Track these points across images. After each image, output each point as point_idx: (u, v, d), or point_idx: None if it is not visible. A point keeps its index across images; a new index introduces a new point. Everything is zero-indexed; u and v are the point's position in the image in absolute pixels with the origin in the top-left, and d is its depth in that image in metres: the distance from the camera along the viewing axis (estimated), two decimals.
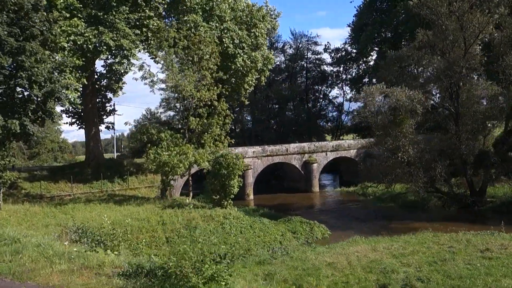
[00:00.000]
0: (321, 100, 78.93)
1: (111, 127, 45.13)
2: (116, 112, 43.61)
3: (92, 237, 18.33)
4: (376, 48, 65.64)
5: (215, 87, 31.83)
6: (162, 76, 32.60)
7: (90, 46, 32.08)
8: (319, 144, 51.14)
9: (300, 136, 71.57)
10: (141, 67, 31.17)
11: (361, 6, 68.45)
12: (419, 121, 29.75)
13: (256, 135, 64.45)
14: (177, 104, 32.02)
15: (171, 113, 76.60)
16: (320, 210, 39.68)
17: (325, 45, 76.38)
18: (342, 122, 76.72)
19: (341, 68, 76.45)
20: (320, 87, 78.17)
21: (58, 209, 29.31)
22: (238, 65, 35.68)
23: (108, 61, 35.32)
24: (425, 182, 29.73)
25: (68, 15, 30.79)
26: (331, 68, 77.23)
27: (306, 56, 76.20)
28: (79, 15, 31.97)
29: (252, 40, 37.09)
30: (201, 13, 34.46)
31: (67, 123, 41.52)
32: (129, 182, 39.64)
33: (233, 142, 32.68)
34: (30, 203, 31.45)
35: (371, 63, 71.78)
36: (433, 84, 33.30)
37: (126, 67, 33.99)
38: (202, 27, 33.17)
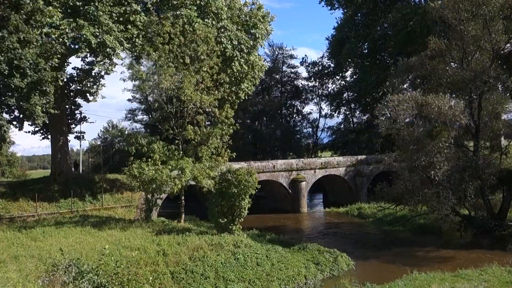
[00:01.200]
0: (294, 116, 75.94)
1: (81, 137, 39.55)
2: (87, 120, 38.03)
3: (94, 280, 13.59)
4: (359, 61, 63.27)
5: (216, 91, 27.53)
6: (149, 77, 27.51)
7: (66, 41, 27.04)
8: (308, 161, 47.55)
9: (276, 152, 68.00)
10: (130, 66, 26.32)
11: (341, 19, 66.30)
12: (456, 135, 26.56)
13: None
14: (171, 110, 27.21)
15: (137, 125, 71.62)
16: (318, 233, 35.77)
17: (303, 58, 73.66)
18: (318, 139, 73.81)
19: (317, 83, 73.81)
20: (294, 102, 75.18)
21: (25, 234, 23.98)
22: (235, 70, 31.50)
23: (86, 60, 30.24)
24: (453, 204, 26.50)
25: (41, 2, 25.67)
26: (307, 83, 74.45)
27: (281, 70, 73.10)
28: (55, 3, 26.89)
29: (252, 42, 33.11)
30: (195, 9, 30.17)
31: (29, 131, 35.64)
32: (103, 200, 34.22)
33: (234, 156, 28.30)
34: None
35: (350, 78, 69.64)
36: (450, 95, 30.38)
37: (108, 68, 29.07)
38: (197, 23, 28.84)
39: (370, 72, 60.58)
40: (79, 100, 37.83)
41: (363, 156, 51.07)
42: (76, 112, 36.84)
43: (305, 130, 74.05)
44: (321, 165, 48.06)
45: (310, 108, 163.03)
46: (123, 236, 23.40)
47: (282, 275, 20.96)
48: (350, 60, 62.55)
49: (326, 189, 56.38)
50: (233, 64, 31.43)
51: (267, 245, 23.99)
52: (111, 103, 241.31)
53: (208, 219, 28.52)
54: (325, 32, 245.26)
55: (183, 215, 28.72)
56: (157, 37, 26.84)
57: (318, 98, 73.77)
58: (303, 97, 75.05)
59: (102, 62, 28.28)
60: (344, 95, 70.24)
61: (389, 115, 28.41)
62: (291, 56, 72.41)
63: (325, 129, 72.61)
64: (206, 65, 26.79)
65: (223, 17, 31.49)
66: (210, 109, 26.94)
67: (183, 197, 28.77)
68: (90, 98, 33.32)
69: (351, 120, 70.67)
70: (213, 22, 30.78)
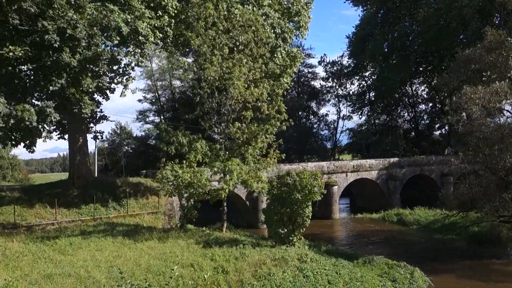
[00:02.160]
0: (311, 117, 72.80)
1: (100, 137, 36.23)
2: (108, 119, 34.75)
3: None
4: (382, 59, 60.22)
5: (266, 83, 24.35)
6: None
7: (94, 28, 23.75)
8: (339, 164, 44.43)
9: (291, 155, 64.76)
10: (170, 54, 23.08)
11: (364, 16, 63.37)
12: None
13: None
14: (213, 104, 23.96)
15: (149, 126, 68.25)
16: (361, 242, 32.56)
17: (321, 57, 70.65)
18: (336, 141, 70.66)
19: (335, 83, 70.75)
20: (311, 103, 72.08)
21: (49, 246, 20.75)
22: (278, 62, 28.26)
23: (114, 50, 26.96)
24: None
25: None
26: (325, 83, 71.34)
27: (299, 69, 69.97)
28: None
29: (296, 31, 29.95)
30: None
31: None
32: (128, 207, 30.90)
33: (283, 157, 25.08)
34: (1, 235, 22.50)
35: (372, 77, 66.70)
36: None
37: (139, 59, 25.83)
38: (237, 10, 25.66)
39: (395, 70, 57.67)
40: (98, 97, 34.52)
41: (396, 159, 48.06)
42: (97, 109, 33.54)
43: (322, 132, 70.83)
44: (353, 168, 44.93)
45: (327, 110, 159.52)
46: (167, 249, 20.17)
47: None
48: (374, 58, 59.49)
49: (353, 194, 53.26)
50: (275, 55, 28.19)
51: (331, 259, 20.78)
52: (109, 106, 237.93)
53: (242, 226, 25.43)
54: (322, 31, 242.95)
55: (225, 223, 25.46)
56: (197, 21, 23.62)
57: (336, 99, 70.61)
58: (320, 97, 71.98)
59: (133, 52, 24.99)
60: (366, 95, 67.21)
61: (462, 112, 25.26)
62: (309, 55, 69.33)
63: (344, 131, 69.45)
64: (256, 54, 23.60)
65: (264, 3, 28.32)
66: (258, 104, 23.67)
67: (225, 203, 25.46)
68: (99, 97, 29.98)
69: (373, 121, 67.57)
70: (254, 8, 27.59)
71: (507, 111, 22.66)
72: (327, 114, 72.62)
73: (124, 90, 27.14)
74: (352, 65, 67.58)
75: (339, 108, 71.15)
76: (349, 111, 71.17)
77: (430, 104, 74.91)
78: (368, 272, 20.44)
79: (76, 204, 29.86)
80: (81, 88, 15.92)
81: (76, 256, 19.06)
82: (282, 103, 24.13)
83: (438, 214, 35.60)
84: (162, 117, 67.78)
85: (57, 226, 27.10)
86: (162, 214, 32.12)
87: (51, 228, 26.46)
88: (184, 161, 26.67)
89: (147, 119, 68.57)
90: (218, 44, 23.06)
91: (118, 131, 73.80)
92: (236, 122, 23.62)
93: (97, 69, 16.25)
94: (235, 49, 23.61)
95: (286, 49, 29.68)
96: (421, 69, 63.15)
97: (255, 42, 24.07)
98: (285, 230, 20.27)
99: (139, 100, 70.94)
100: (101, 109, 35.82)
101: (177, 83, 64.99)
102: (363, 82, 69.04)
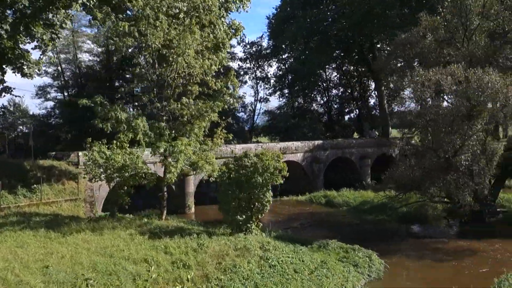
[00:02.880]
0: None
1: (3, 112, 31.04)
2: (11, 91, 29.74)
3: None
4: (303, 42, 60.09)
5: (214, 56, 22.00)
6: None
7: None
8: (267, 146, 43.17)
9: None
10: (106, 16, 19.68)
11: None
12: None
13: None
14: (154, 77, 21.13)
15: (51, 103, 61.66)
16: (298, 225, 31.72)
17: (240, 37, 68.73)
18: (254, 123, 69.77)
19: (253, 65, 69.59)
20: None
21: None
22: (219, 34, 25.80)
23: None
24: (473, 193, 23.99)
25: None
26: (242, 64, 69.85)
27: None
28: None
29: (238, 2, 27.62)
30: None
31: None
32: (42, 193, 26.84)
33: (231, 137, 23.06)
34: None
35: (293, 59, 66.52)
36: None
37: (63, 20, 21.85)
38: None
39: (315, 54, 57.86)
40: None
41: (320, 141, 48.22)
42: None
43: (239, 114, 69.44)
44: (280, 150, 43.96)
45: (243, 92, 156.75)
46: (107, 242, 17.34)
47: (330, 284, 16.58)
48: (296, 40, 59.09)
49: None
50: (217, 26, 25.69)
51: (289, 245, 19.35)
52: None
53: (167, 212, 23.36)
54: None
55: (165, 211, 22.89)
56: None
57: (255, 81, 69.50)
58: (238, 79, 70.25)
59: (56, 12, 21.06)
60: (285, 78, 66.99)
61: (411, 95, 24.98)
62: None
63: (263, 113, 68.81)
64: (204, 21, 21.10)
65: None
66: (206, 78, 21.30)
67: (165, 188, 22.87)
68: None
69: (292, 104, 67.62)
70: None
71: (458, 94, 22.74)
72: (243, 96, 71.29)
73: (41, 56, 22.92)
74: (272, 47, 66.76)
75: (257, 90, 70.16)
76: (266, 94, 70.57)
77: (341, 89, 77.08)
78: (327, 257, 19.41)
79: None
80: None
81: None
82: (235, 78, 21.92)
83: (371, 196, 35.97)
84: (66, 94, 61.75)
85: None
86: (82, 201, 28.45)
87: None
88: (115, 141, 23.58)
89: (48, 96, 61.97)
90: (164, 6, 20.15)
91: (12, 108, 65.88)
92: (184, 98, 21.06)
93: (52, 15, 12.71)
94: (181, 14, 20.88)
95: (228, 20, 27.39)
96: (336, 54, 64.11)
97: (202, 8, 21.54)
98: (243, 216, 18.39)
99: (39, 74, 63.65)
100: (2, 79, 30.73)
101: (83, 56, 59.63)
102: (282, 65, 68.63)
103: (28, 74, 18.21)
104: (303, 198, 42.32)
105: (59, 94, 62.58)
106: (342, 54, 66.42)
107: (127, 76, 64.39)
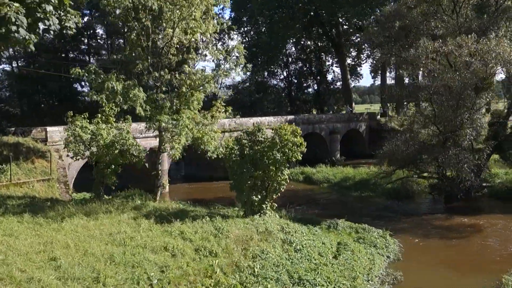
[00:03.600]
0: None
1: None
2: None
3: None
4: (269, 15, 58.44)
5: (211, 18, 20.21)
6: None
7: None
8: (240, 121, 41.79)
9: None
10: None
11: None
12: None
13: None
14: (147, 43, 19.00)
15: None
16: (285, 203, 30.72)
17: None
18: (217, 98, 67.62)
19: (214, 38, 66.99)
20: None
21: None
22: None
23: None
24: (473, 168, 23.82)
25: None
26: (201, 37, 66.99)
27: None
28: None
29: None
30: None
31: None
32: (10, 173, 24.11)
33: (230, 110, 21.43)
34: None
35: (256, 33, 64.81)
36: None
37: None
38: None
39: (280, 28, 56.52)
40: None
41: (292, 116, 47.37)
42: None
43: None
44: (253, 126, 42.60)
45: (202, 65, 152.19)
46: (112, 228, 15.45)
47: (359, 267, 15.67)
48: (261, 13, 57.32)
49: None
50: None
51: (302, 227, 18.23)
52: None
53: None
54: None
55: (159, 191, 21.05)
56: None
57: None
58: (199, 52, 67.59)
59: None
60: (248, 51, 65.08)
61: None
62: None
63: (225, 87, 66.84)
64: None
65: None
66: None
67: (159, 166, 20.99)
68: None
69: (255, 79, 66.06)
70: None
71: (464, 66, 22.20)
72: (204, 70, 68.85)
73: None
74: (233, 19, 64.52)
75: (219, 63, 67.77)
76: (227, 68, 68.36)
77: (300, 64, 76.48)
78: (343, 238, 18.52)
79: None
80: None
81: None
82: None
83: (351, 172, 35.59)
84: (14, 65, 56.92)
85: None
86: (55, 181, 25.92)
87: None
88: (99, 115, 21.36)
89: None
90: None
91: None
92: (185, 65, 19.10)
93: None
94: None
95: None
96: (298, 28, 63.02)
97: None
98: (259, 196, 16.97)
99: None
100: None
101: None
102: (244, 38, 66.71)
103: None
104: None
105: (7, 65, 57.63)
106: (305, 28, 65.43)
107: (83, 47, 60.36)
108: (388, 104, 63.11)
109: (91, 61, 60.19)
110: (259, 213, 17.16)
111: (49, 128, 29.37)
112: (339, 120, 53.05)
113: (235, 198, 18.20)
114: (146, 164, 31.13)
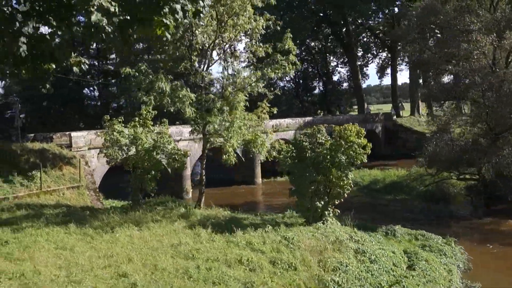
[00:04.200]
0: None
1: None
2: None
3: None
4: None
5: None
6: None
7: None
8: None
9: None
10: None
11: None
12: None
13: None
14: (194, 39, 17.90)
15: None
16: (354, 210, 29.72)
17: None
18: None
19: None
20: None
21: None
22: None
23: None
24: None
25: None
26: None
27: None
28: None
29: None
30: None
31: None
32: (41, 181, 22.92)
33: (275, 111, 20.33)
34: None
35: None
36: None
37: None
38: None
39: (291, 28, 55.54)
40: None
41: (310, 118, 46.53)
42: None
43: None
44: (272, 128, 41.60)
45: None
46: (173, 240, 14.30)
47: (440, 279, 14.59)
48: (273, 13, 56.17)
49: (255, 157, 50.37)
50: None
51: (365, 234, 17.15)
52: None
53: None
54: None
55: (203, 198, 19.92)
56: None
57: (223, 56, 66.05)
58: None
59: None
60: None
61: None
62: None
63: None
64: None
65: None
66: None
67: (204, 171, 19.88)
68: None
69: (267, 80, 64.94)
70: None
71: None
72: (210, 72, 67.80)
73: None
74: None
75: (227, 65, 66.74)
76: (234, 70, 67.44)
77: (305, 65, 75.62)
78: (406, 246, 17.43)
79: None
80: None
81: (35, 262, 12.19)
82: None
83: (379, 174, 34.61)
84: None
85: None
86: (85, 188, 24.76)
87: None
88: (137, 118, 20.27)
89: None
90: None
91: None
92: (235, 64, 18.07)
93: None
94: None
95: None
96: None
97: None
98: (322, 202, 15.88)
99: None
100: None
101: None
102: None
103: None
104: None
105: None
106: (313, 29, 64.66)
107: (91, 51, 59.07)
108: (400, 104, 62.32)
109: (99, 65, 59.06)
110: (322, 220, 16.05)
111: (73, 134, 28.22)
112: (353, 121, 52.03)
113: (295, 204, 17.05)
114: (169, 170, 30.16)
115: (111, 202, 26.80)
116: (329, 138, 16.58)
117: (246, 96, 18.92)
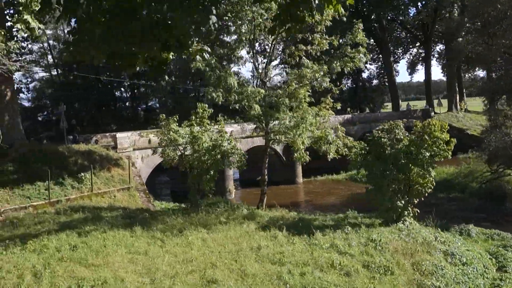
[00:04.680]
0: None
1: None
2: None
3: None
4: None
5: None
6: None
7: None
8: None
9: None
10: None
11: None
12: None
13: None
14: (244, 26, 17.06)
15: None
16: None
17: None
18: None
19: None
20: None
21: (42, 256, 12.47)
22: None
23: None
24: None
25: None
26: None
27: None
28: None
29: None
30: None
31: None
32: (91, 183, 22.41)
33: (338, 107, 19.35)
34: None
35: None
36: None
37: None
38: None
39: None
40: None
41: (349, 115, 45.29)
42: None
43: None
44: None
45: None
46: (252, 243, 13.49)
47: None
48: None
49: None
50: None
51: (449, 235, 16.08)
52: None
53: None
54: None
55: (265, 198, 19.11)
56: None
57: (251, 55, 65.28)
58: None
59: None
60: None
61: None
62: None
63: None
64: None
65: None
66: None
67: (266, 170, 19.06)
68: None
69: None
70: None
71: None
72: (239, 72, 66.96)
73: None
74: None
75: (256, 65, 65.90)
76: (263, 68, 66.56)
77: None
78: (486, 246, 16.34)
79: (17, 183, 20.56)
80: None
81: (112, 268, 11.53)
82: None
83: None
84: (55, 73, 55.46)
85: (3, 217, 18.06)
86: (134, 190, 24.21)
87: None
88: (193, 117, 19.56)
89: (35, 76, 55.42)
90: None
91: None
92: (304, 58, 17.16)
93: None
94: None
95: None
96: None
97: None
98: (403, 202, 14.90)
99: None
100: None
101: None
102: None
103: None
104: (340, 177, 39.20)
105: (47, 74, 56.33)
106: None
107: None
108: (438, 100, 60.66)
109: None
110: (402, 221, 15.06)
111: (118, 134, 27.79)
112: (392, 118, 50.61)
113: (376, 203, 16.02)
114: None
115: (159, 203, 26.25)
116: (407, 134, 15.59)
117: (308, 91, 18.03)
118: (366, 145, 16.03)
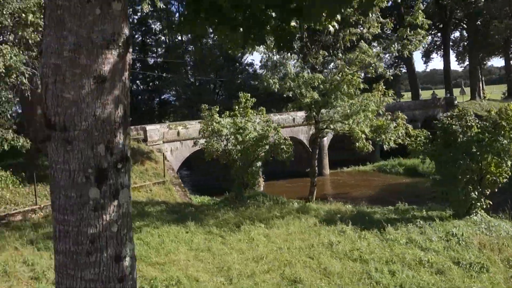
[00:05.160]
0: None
1: None
2: None
3: None
4: None
5: None
6: None
7: None
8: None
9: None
10: None
11: None
12: None
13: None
14: None
15: None
16: (413, 200, 27.44)
17: None
18: None
19: None
20: None
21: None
22: None
23: None
24: None
25: None
26: None
27: None
28: None
29: None
30: None
31: None
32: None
33: (391, 94, 18.28)
34: None
35: None
36: None
37: None
38: None
39: None
40: None
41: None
42: None
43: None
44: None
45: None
46: (319, 238, 12.59)
47: None
48: None
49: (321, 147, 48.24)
50: None
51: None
52: None
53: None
54: None
55: (315, 190, 18.20)
56: None
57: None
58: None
59: None
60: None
61: None
62: None
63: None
64: None
65: None
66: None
67: (316, 162, 18.14)
68: None
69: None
70: None
71: None
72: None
73: None
74: None
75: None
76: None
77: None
78: None
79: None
80: None
81: (179, 267, 10.70)
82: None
83: None
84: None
85: (42, 213, 17.25)
86: (169, 183, 23.33)
87: (36, 218, 16.66)
88: (237, 107, 18.63)
89: None
90: None
91: None
92: (362, 42, 16.13)
93: None
94: None
95: None
96: None
97: None
98: (476, 193, 13.92)
99: None
100: None
101: None
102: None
103: None
104: (368, 168, 38.17)
105: None
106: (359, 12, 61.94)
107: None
108: (461, 88, 59.37)
109: (145, 57, 57.77)
110: (473, 213, 14.09)
111: (148, 127, 26.86)
112: (417, 107, 49.69)
113: (444, 196, 15.03)
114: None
115: (194, 197, 25.39)
116: (477, 121, 14.59)
117: (360, 77, 17.06)
118: (429, 133, 15.03)
